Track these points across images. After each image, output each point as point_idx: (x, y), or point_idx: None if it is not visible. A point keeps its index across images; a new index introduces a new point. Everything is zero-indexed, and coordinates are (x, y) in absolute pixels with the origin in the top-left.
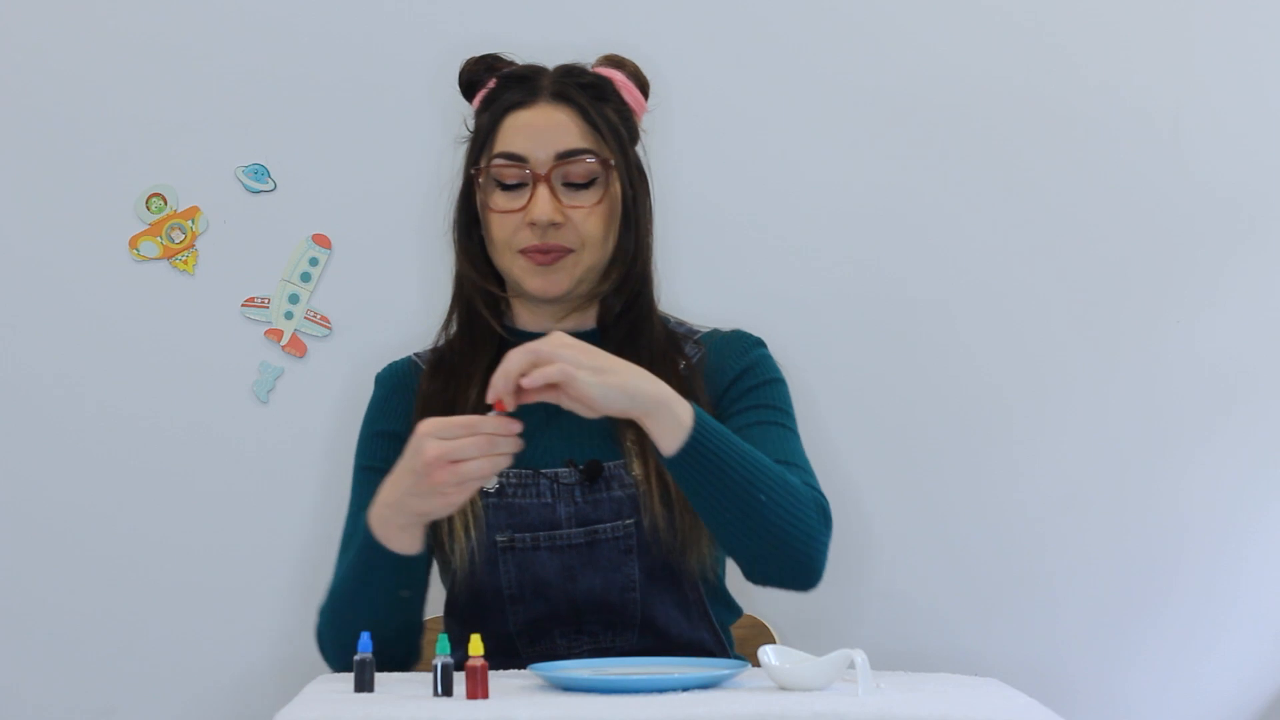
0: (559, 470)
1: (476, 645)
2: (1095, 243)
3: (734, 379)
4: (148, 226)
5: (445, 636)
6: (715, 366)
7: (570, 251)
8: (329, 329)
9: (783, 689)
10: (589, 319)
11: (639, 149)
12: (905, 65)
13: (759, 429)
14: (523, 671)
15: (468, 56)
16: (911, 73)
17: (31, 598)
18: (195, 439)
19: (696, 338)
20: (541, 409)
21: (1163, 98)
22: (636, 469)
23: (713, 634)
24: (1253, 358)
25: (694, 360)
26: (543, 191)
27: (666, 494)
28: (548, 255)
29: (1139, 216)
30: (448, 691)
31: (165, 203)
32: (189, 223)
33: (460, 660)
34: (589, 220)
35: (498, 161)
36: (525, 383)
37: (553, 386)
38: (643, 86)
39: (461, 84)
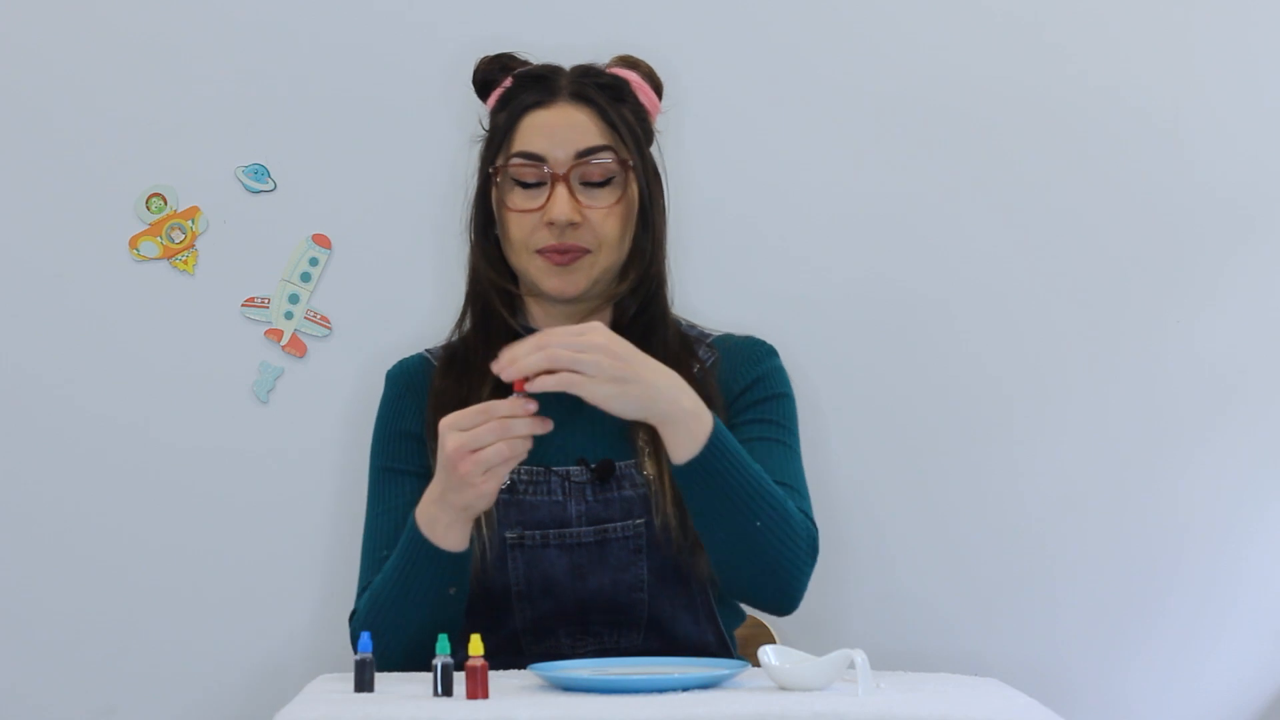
0: (570, 468)
1: (476, 645)
2: (1095, 243)
3: (745, 388)
4: (148, 226)
5: (445, 636)
6: (728, 372)
7: (587, 252)
8: (329, 329)
9: (783, 689)
10: (603, 319)
11: (654, 149)
12: (905, 65)
13: (761, 445)
14: (523, 671)
15: (468, 57)
16: (911, 73)
17: (31, 598)
18: (195, 439)
19: (709, 341)
20: (557, 405)
21: (1163, 98)
22: (649, 468)
23: (717, 636)
24: (1253, 358)
25: (707, 364)
26: (561, 191)
27: (680, 494)
28: (565, 255)
29: (1139, 216)
30: (448, 691)
31: (165, 203)
32: (189, 223)
33: (460, 660)
34: (607, 221)
35: (516, 161)
36: (530, 387)
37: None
38: (657, 87)
39: (476, 83)
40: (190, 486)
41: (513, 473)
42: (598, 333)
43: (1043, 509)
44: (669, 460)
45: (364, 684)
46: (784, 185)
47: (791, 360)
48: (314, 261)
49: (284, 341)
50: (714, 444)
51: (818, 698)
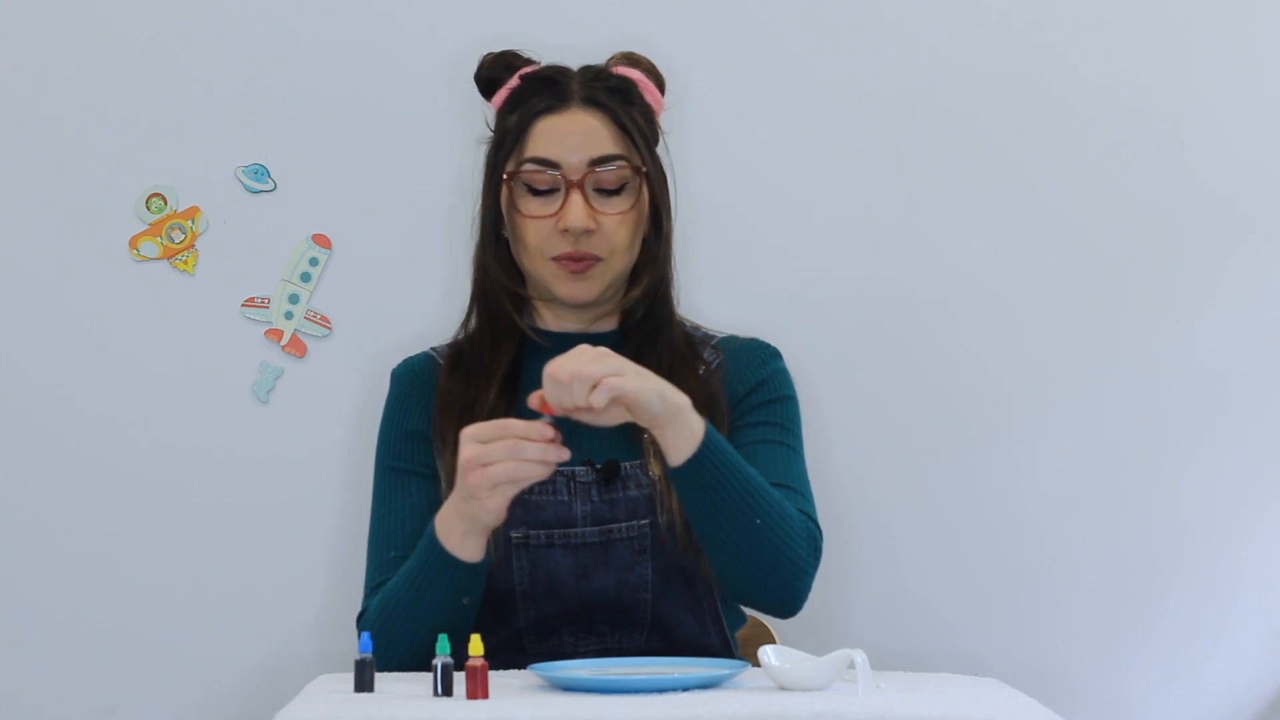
0: (576, 469)
1: (476, 645)
2: (1095, 243)
3: (749, 390)
4: (148, 226)
5: (445, 636)
6: (733, 374)
7: (600, 259)
8: (329, 329)
9: (783, 689)
10: (611, 321)
11: (660, 148)
12: (904, 65)
13: (765, 447)
14: (523, 671)
15: (467, 57)
16: (911, 73)
17: (31, 598)
18: (195, 439)
19: (714, 343)
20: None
21: (1163, 98)
22: (655, 469)
23: (721, 638)
24: (1253, 358)
25: (713, 366)
26: (576, 198)
27: None
28: (580, 263)
29: (1139, 217)
30: (448, 691)
31: (165, 203)
32: (189, 223)
33: (460, 660)
34: (620, 228)
35: (529, 166)
36: (595, 401)
37: (581, 409)
38: (660, 84)
39: (480, 81)
40: (190, 486)
41: None
42: (588, 351)
43: (1043, 509)
44: (666, 463)
45: (364, 684)
46: (783, 185)
47: (791, 359)
48: (314, 261)
49: (284, 341)
50: (710, 441)
51: (818, 698)
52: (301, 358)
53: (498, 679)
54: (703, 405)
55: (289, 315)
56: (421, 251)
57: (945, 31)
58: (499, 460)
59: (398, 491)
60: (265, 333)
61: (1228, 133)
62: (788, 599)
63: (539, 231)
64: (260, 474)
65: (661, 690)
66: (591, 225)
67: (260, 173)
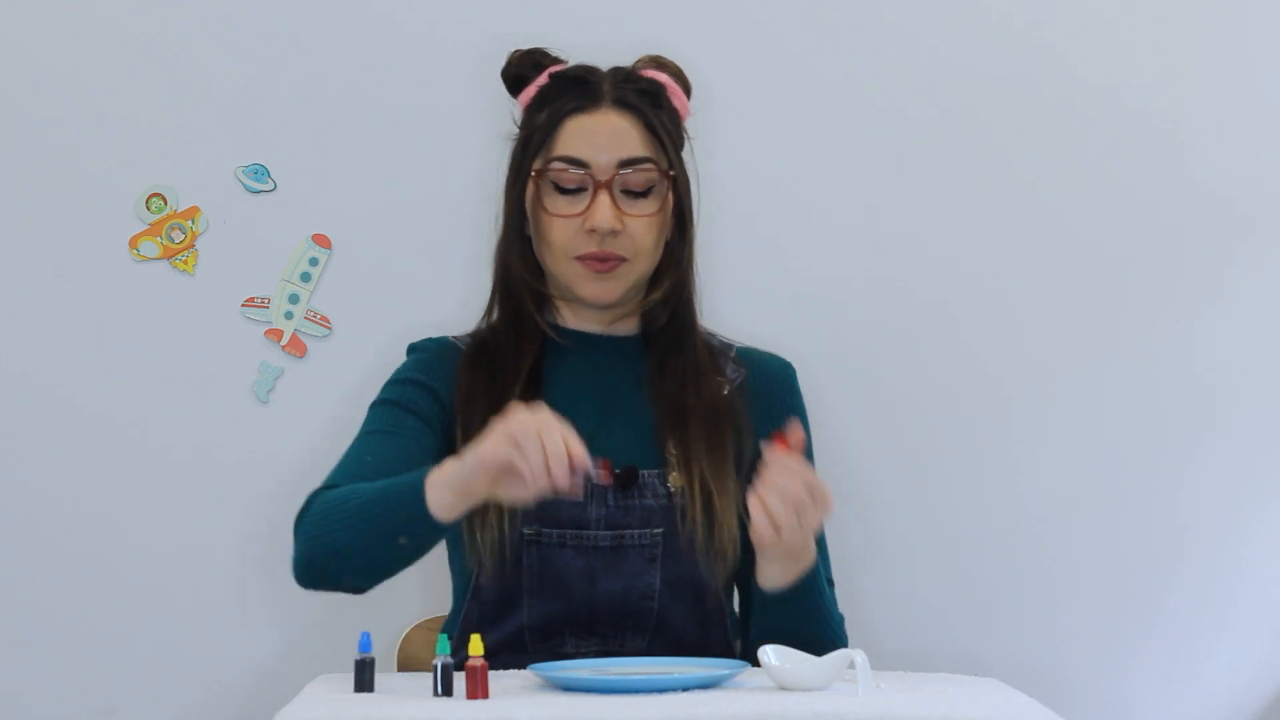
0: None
1: (476, 645)
2: (1095, 243)
3: (776, 419)
4: (148, 226)
5: (445, 636)
6: (759, 393)
7: (625, 260)
8: (329, 329)
9: (783, 689)
10: (631, 324)
11: (685, 153)
12: (903, 66)
13: None
14: (522, 671)
15: (467, 56)
16: (910, 73)
17: (31, 598)
18: (195, 439)
19: (733, 354)
20: (586, 405)
21: (1163, 98)
22: (676, 480)
23: (724, 645)
24: (1253, 358)
25: (735, 384)
26: (604, 199)
27: (709, 505)
28: (605, 264)
29: (1139, 217)
30: (448, 691)
31: (165, 203)
32: (189, 223)
33: (460, 660)
34: (645, 230)
35: (557, 164)
36: (816, 522)
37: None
38: (686, 89)
39: (507, 78)
40: (190, 486)
41: None
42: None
43: (1043, 509)
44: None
45: (364, 684)
46: (782, 185)
47: (791, 359)
48: (314, 261)
49: (284, 341)
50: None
51: (818, 698)
52: (301, 358)
53: (498, 679)
54: (725, 420)
55: (289, 315)
56: (421, 251)
57: (941, 32)
58: (526, 458)
59: (386, 420)
60: (265, 333)
61: (1228, 133)
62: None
63: (565, 230)
64: (260, 474)
65: (661, 690)
66: (618, 226)
67: (260, 173)
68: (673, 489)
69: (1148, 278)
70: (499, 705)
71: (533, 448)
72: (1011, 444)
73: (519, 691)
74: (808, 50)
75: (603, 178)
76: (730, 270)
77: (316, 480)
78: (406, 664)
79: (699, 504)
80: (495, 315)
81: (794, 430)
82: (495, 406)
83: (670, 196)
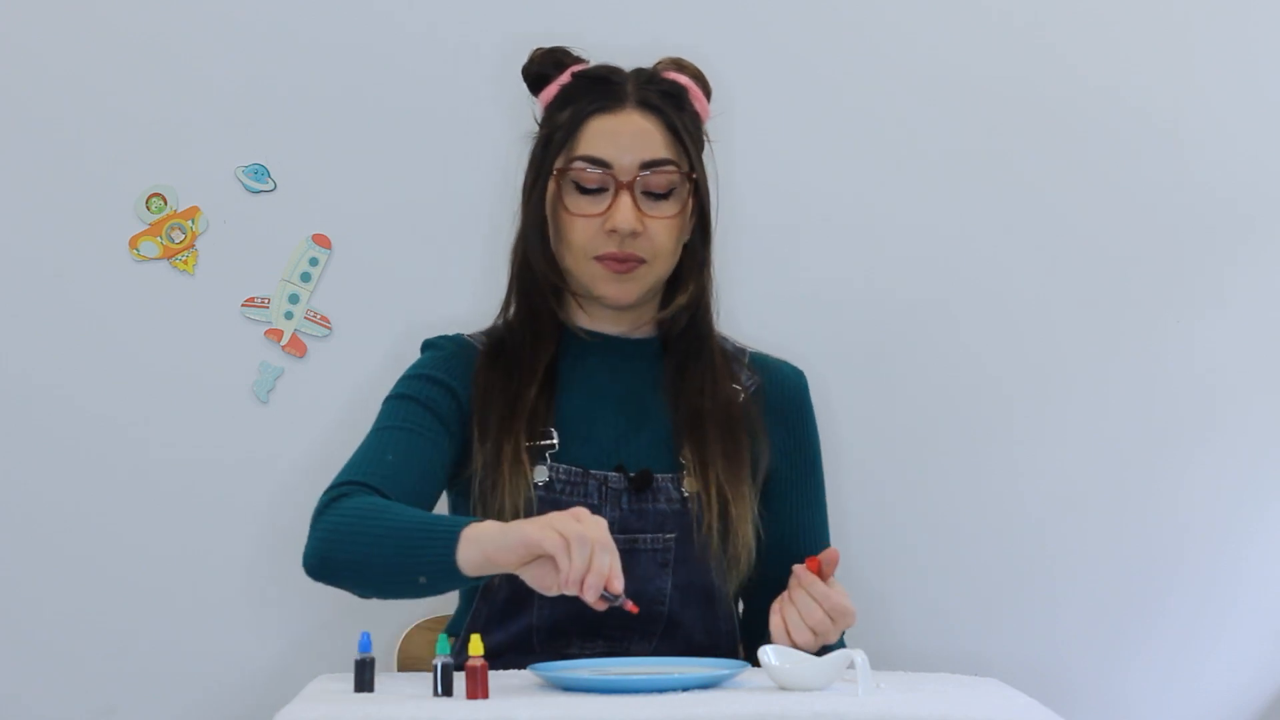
0: (609, 474)
1: (476, 645)
2: (1095, 243)
3: (790, 431)
4: (148, 226)
5: (445, 636)
6: (773, 401)
7: (644, 262)
8: (329, 329)
9: (783, 689)
10: (647, 326)
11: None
12: (903, 66)
13: (800, 497)
14: (523, 671)
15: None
16: (910, 73)
17: (31, 598)
18: (195, 439)
19: (747, 361)
20: (602, 408)
21: (1163, 98)
22: (690, 485)
23: (730, 648)
24: (1253, 358)
25: (750, 391)
26: (625, 199)
27: (725, 512)
28: (624, 264)
29: (1139, 217)
30: (448, 691)
31: (165, 203)
32: (189, 223)
33: (460, 660)
34: (665, 232)
35: (579, 164)
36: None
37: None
38: (706, 91)
39: (529, 76)
40: (190, 486)
41: (550, 471)
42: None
43: (1043, 509)
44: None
45: (364, 684)
46: (782, 186)
47: (791, 359)
48: (314, 261)
49: (284, 341)
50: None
51: (818, 698)
52: (301, 358)
53: (498, 679)
54: (741, 427)
55: (289, 315)
56: (421, 251)
57: (941, 32)
58: (572, 562)
59: (401, 415)
60: (265, 333)
61: (1228, 133)
62: None
63: (585, 230)
64: (260, 474)
65: (661, 690)
66: (639, 227)
67: (260, 173)
68: (687, 494)
69: (1148, 278)
70: (499, 705)
71: (580, 556)
72: (1011, 444)
73: (519, 691)
74: (808, 51)
75: (625, 178)
76: (732, 271)
77: (316, 480)
78: (406, 664)
79: (715, 511)
80: (511, 313)
81: (828, 554)
82: (511, 405)
83: (691, 199)
